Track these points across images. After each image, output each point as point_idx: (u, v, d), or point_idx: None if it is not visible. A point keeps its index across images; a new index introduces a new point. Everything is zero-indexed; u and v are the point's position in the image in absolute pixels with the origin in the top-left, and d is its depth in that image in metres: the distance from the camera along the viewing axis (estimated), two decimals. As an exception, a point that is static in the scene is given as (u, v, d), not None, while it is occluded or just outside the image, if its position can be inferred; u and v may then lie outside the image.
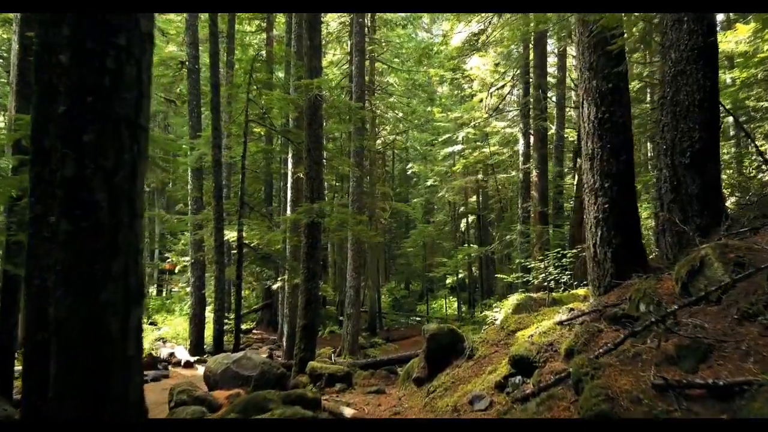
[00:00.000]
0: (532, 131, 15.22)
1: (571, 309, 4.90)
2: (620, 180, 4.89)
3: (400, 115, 26.27)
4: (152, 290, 30.69)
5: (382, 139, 28.09)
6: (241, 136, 11.99)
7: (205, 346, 15.26)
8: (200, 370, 14.28)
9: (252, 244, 13.17)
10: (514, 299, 11.18)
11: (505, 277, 10.39)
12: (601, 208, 4.90)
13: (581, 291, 11.35)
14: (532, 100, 14.73)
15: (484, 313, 12.36)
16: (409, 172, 37.12)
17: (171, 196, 30.36)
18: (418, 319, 30.71)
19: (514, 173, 23.43)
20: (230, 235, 12.96)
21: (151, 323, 18.22)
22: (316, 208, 8.95)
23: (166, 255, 26.26)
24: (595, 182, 4.96)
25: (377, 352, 17.61)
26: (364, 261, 27.24)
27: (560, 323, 4.65)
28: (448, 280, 32.76)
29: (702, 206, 6.52)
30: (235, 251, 12.94)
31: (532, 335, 4.87)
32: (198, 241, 13.73)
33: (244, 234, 12.22)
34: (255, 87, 11.68)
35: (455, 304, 29.59)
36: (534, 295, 11.82)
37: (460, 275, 29.07)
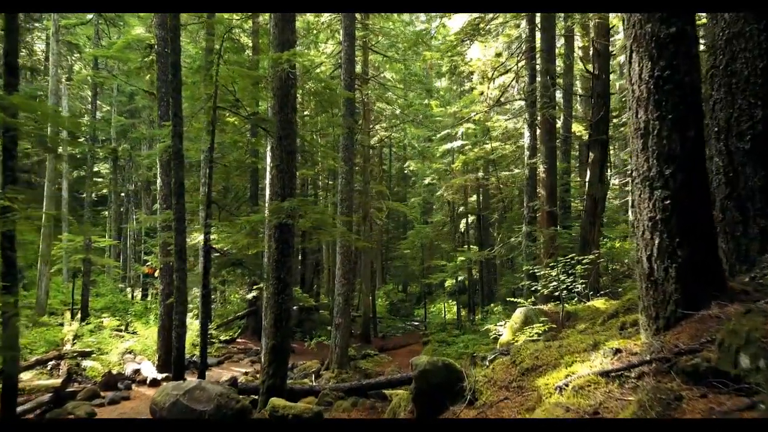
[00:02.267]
0: (538, 122, 13.74)
1: (618, 350, 3.41)
2: (687, 164, 3.41)
3: (398, 110, 24.80)
4: (137, 294, 29.20)
5: (378, 136, 26.63)
6: (209, 125, 10.52)
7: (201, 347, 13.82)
8: (168, 389, 12.84)
9: (226, 249, 11.70)
10: (520, 313, 9.70)
11: (521, 301, 8.86)
12: (660, 205, 3.41)
13: (599, 303, 9.87)
14: (539, 86, 13.25)
15: (486, 327, 10.88)
16: (406, 171, 35.72)
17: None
18: (416, 323, 29.36)
19: (517, 171, 21.98)
20: (202, 237, 11.48)
21: (117, 330, 16.74)
22: (287, 207, 7.47)
23: (145, 258, 24.85)
24: (649, 168, 3.47)
25: (369, 365, 16.15)
26: (360, 264, 25.77)
27: (605, 374, 3.17)
28: (447, 283, 31.31)
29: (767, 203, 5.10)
30: (216, 255, 11.47)
31: (560, 388, 3.39)
32: (165, 244, 12.26)
33: (215, 236, 10.75)
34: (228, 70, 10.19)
35: (454, 308, 28.10)
36: (544, 307, 10.32)
37: (459, 278, 27.58)
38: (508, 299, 22.67)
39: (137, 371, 12.60)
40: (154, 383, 12.03)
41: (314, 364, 15.09)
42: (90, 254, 20.45)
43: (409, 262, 32.44)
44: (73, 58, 30.36)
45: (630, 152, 3.68)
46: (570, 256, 9.40)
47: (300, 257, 27.28)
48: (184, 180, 9.33)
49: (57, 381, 10.73)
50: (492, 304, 25.50)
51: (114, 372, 12.57)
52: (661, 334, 3.33)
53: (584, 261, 9.62)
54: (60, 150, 27.13)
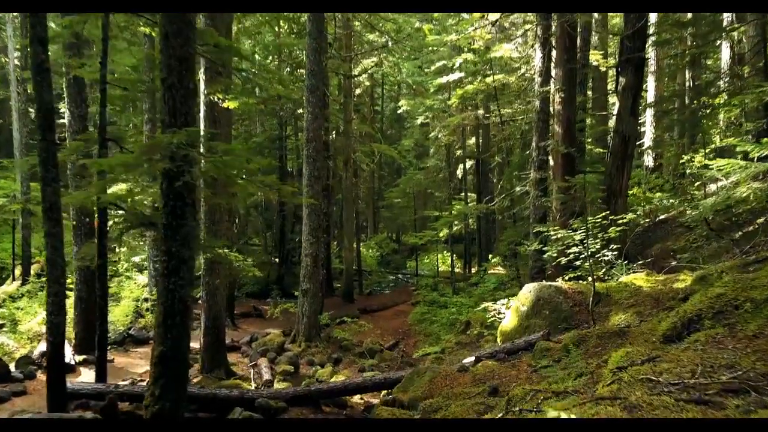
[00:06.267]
0: (554, 38, 10.71)
1: None
2: None
3: (386, 40, 21.36)
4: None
5: (365, 69, 23.29)
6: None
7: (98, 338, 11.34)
8: (85, 375, 10.37)
9: (144, 202, 8.95)
10: (530, 292, 7.11)
11: (522, 249, 6.20)
12: None
13: (639, 279, 7.15)
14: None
15: (484, 305, 8.34)
16: (401, 112, 32.53)
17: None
18: (407, 276, 27.12)
19: (522, 107, 18.97)
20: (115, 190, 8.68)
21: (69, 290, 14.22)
22: (172, 142, 4.69)
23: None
24: None
25: (345, 334, 13.73)
26: (344, 214, 23.14)
27: None
28: (442, 233, 28.88)
29: None
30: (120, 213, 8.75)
31: None
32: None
33: (118, 188, 8.00)
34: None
35: (449, 260, 25.64)
36: (561, 283, 7.70)
37: (455, 227, 24.95)
38: (508, 255, 20.21)
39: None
40: (69, 369, 9.59)
41: (277, 337, 12.69)
42: (29, 204, 17.77)
43: (400, 212, 29.80)
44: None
45: None
46: (603, 214, 6.71)
47: (278, 205, 24.60)
48: (54, 105, 6.48)
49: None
50: (491, 257, 23.08)
51: (22, 353, 10.15)
52: None
53: (620, 221, 6.94)
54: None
